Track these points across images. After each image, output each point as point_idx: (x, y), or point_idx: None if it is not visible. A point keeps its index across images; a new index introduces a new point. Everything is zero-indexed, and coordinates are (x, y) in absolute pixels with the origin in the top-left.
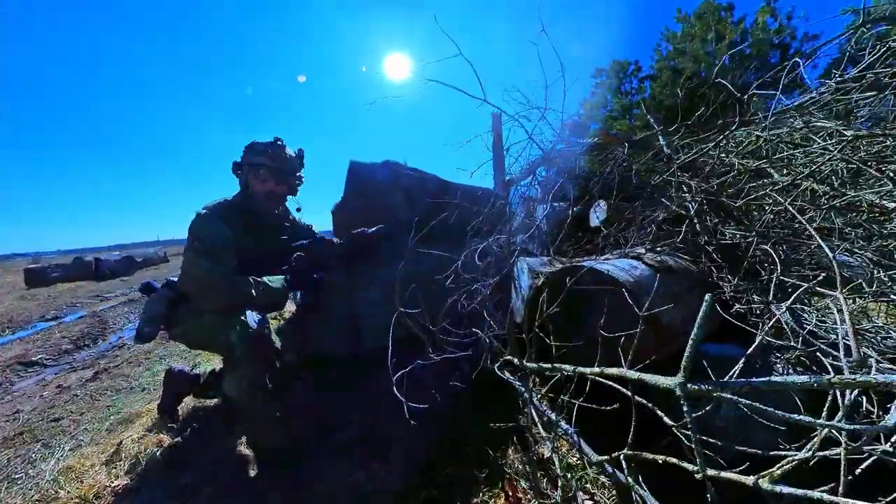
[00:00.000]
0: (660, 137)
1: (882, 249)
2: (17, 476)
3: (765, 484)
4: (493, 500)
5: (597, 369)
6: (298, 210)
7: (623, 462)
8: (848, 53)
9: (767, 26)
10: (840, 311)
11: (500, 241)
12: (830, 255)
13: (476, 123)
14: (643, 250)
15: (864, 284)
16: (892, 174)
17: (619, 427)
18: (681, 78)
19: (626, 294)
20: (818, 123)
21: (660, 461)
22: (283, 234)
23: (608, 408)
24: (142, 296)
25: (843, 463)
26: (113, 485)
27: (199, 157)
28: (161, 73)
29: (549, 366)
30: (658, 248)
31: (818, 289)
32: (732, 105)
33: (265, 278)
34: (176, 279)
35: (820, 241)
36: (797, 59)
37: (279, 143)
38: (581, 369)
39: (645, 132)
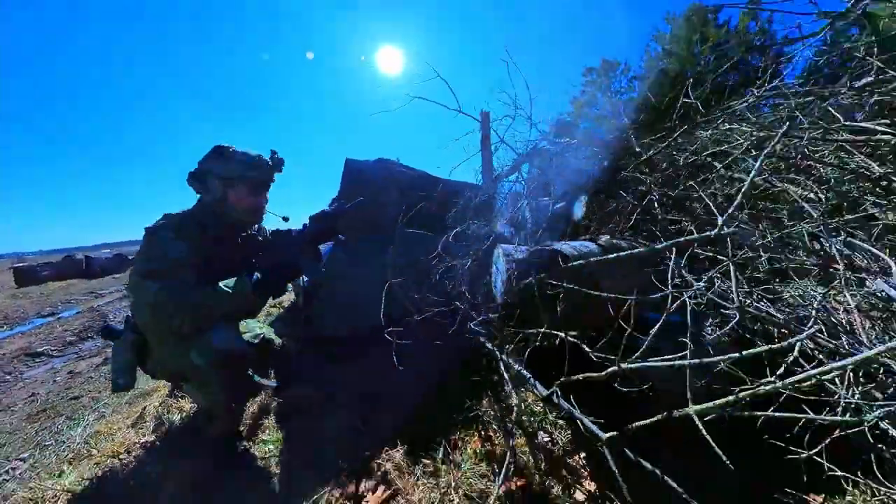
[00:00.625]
0: (632, 138)
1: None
2: (46, 444)
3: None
4: (468, 437)
5: (540, 330)
6: (286, 220)
7: (557, 389)
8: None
9: (748, 30)
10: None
11: (480, 229)
12: (724, 229)
13: (466, 122)
14: (608, 237)
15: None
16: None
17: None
18: (666, 78)
19: (563, 260)
20: (741, 127)
21: (580, 378)
22: (258, 241)
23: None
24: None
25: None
26: (141, 441)
27: (191, 154)
28: (148, 66)
29: (511, 329)
30: (627, 235)
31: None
32: (698, 109)
33: (224, 283)
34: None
35: (720, 218)
36: (726, 82)
37: (264, 156)
38: (528, 331)
39: (633, 131)
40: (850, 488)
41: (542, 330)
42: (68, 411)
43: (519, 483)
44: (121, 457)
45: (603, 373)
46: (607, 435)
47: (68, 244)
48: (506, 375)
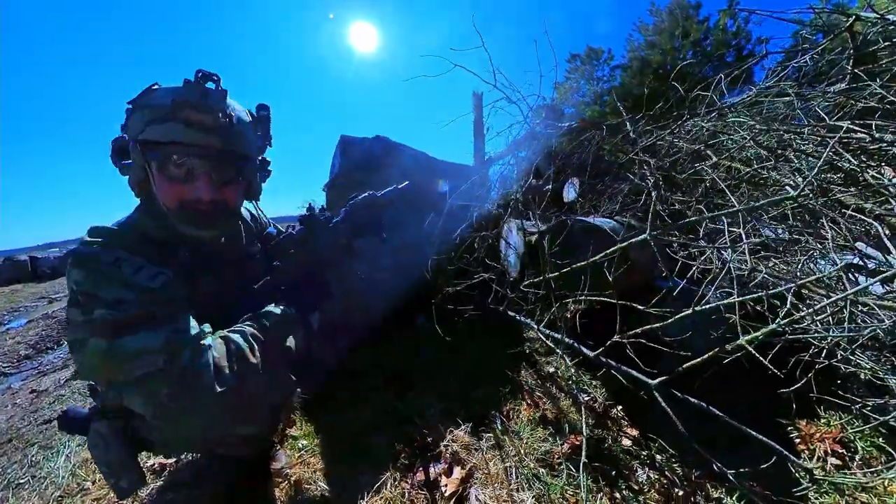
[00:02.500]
0: (627, 124)
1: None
2: (21, 481)
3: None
4: (517, 407)
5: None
6: (311, 210)
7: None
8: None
9: (727, 28)
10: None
11: (497, 205)
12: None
13: (450, 105)
14: (618, 216)
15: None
16: (794, 159)
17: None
18: (649, 68)
19: (608, 236)
20: (741, 119)
21: (638, 332)
22: (252, 254)
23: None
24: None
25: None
26: (149, 465)
27: None
28: (77, 36)
29: (541, 292)
30: (626, 214)
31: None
32: (685, 99)
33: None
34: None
35: (735, 202)
36: (721, 75)
37: (205, 83)
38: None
39: (614, 118)
40: (823, 413)
41: (586, 295)
42: (42, 439)
43: (577, 440)
44: None
45: (661, 323)
46: (656, 381)
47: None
48: (549, 343)
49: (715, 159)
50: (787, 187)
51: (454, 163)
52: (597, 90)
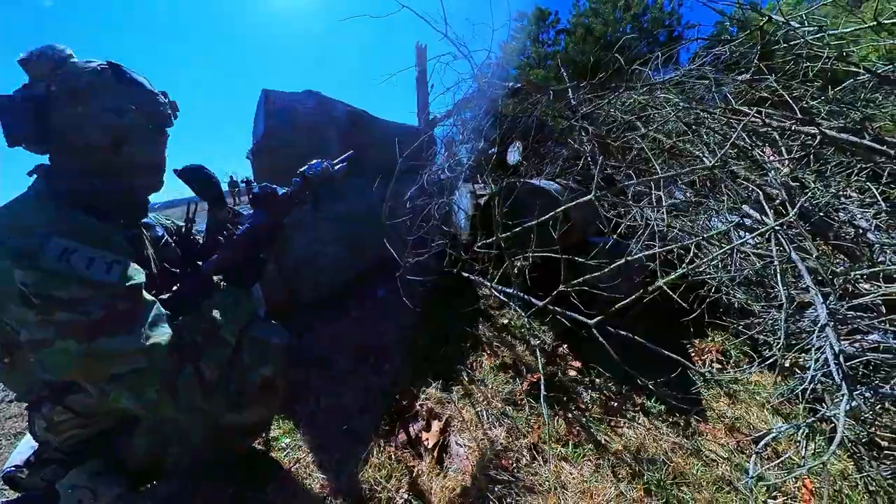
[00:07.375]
0: (570, 91)
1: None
2: None
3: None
4: (480, 359)
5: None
6: (233, 183)
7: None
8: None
9: (663, 8)
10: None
11: (445, 170)
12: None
13: (389, 59)
14: (560, 179)
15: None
16: (704, 134)
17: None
18: (591, 37)
19: (552, 197)
20: (668, 96)
21: (579, 282)
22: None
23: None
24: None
25: None
26: None
27: None
28: None
29: (494, 251)
30: (566, 177)
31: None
32: (624, 71)
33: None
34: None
35: (658, 169)
36: (658, 52)
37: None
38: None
39: (557, 83)
40: (710, 333)
41: (534, 251)
42: None
43: (534, 378)
44: None
45: (598, 273)
46: (593, 321)
47: None
48: (502, 297)
49: (643, 130)
50: (698, 158)
51: (397, 122)
52: (541, 52)
